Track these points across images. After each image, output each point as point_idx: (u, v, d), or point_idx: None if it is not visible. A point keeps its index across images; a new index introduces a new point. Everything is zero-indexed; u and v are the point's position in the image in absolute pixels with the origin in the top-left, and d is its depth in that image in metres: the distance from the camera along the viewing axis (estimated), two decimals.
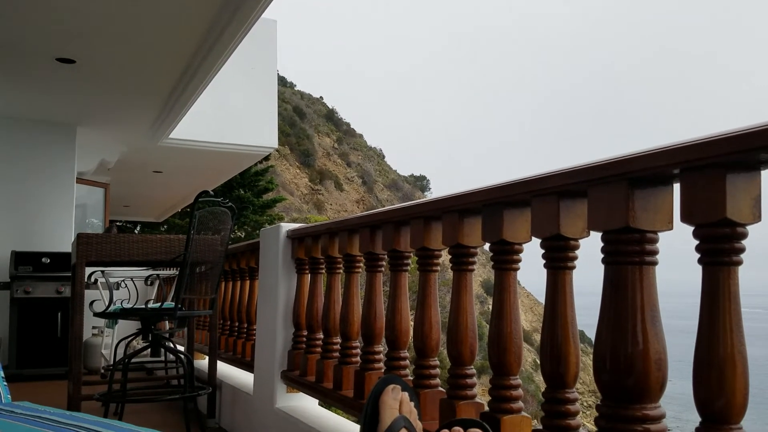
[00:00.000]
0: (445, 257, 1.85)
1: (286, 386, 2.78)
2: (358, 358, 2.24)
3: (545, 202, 1.31)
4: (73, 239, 4.00)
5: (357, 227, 2.21)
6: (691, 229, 1.05)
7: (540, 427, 1.33)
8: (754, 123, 0.92)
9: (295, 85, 57.67)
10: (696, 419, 1.05)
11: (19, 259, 5.36)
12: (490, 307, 1.53)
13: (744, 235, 1.00)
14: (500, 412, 1.46)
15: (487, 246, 1.60)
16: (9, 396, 1.89)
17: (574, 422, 1.29)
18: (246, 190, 19.34)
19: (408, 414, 1.10)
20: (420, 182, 61.01)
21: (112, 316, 2.99)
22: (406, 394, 1.12)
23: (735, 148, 0.93)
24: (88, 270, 3.32)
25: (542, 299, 1.38)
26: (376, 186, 50.93)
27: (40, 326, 5.32)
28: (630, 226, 1.11)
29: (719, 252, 1.01)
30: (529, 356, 33.69)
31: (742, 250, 1.01)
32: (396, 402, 1.09)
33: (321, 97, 59.20)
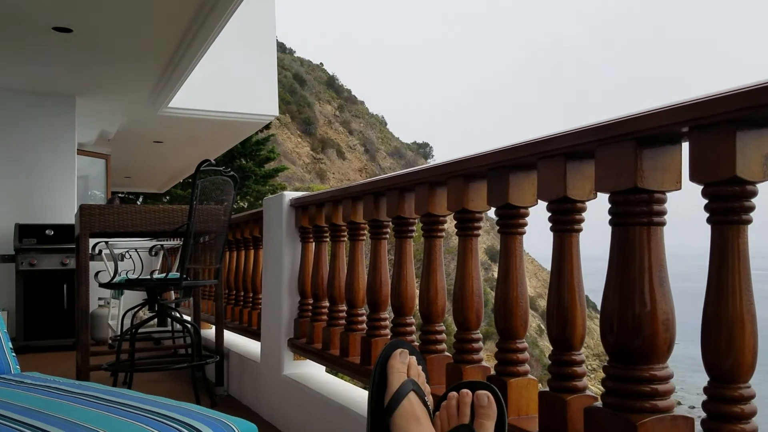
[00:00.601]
0: (449, 225, 1.84)
1: (293, 354, 2.80)
2: (365, 325, 2.25)
3: (552, 164, 1.29)
4: (75, 211, 4.00)
5: (361, 194, 2.19)
6: (697, 190, 1.04)
7: (546, 389, 1.34)
8: (765, 78, 0.89)
9: (295, 52, 57.10)
10: (699, 382, 1.05)
11: (23, 231, 5.37)
12: (495, 274, 1.52)
13: (754, 193, 0.99)
14: (507, 375, 1.46)
15: (492, 212, 1.59)
16: (18, 367, 1.91)
17: (581, 384, 1.30)
18: (247, 160, 19.28)
19: (416, 377, 1.10)
20: (423, 149, 60.83)
21: (117, 286, 3.00)
22: (413, 358, 1.13)
23: (745, 104, 0.91)
24: (92, 241, 3.32)
25: (547, 265, 1.37)
26: (378, 154, 50.76)
27: (46, 298, 5.36)
28: (638, 186, 1.09)
29: (728, 211, 0.99)
30: (534, 321, 33.96)
31: (751, 208, 0.99)
32: (404, 366, 1.10)
33: (321, 63, 58.73)
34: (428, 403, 1.09)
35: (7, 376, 1.76)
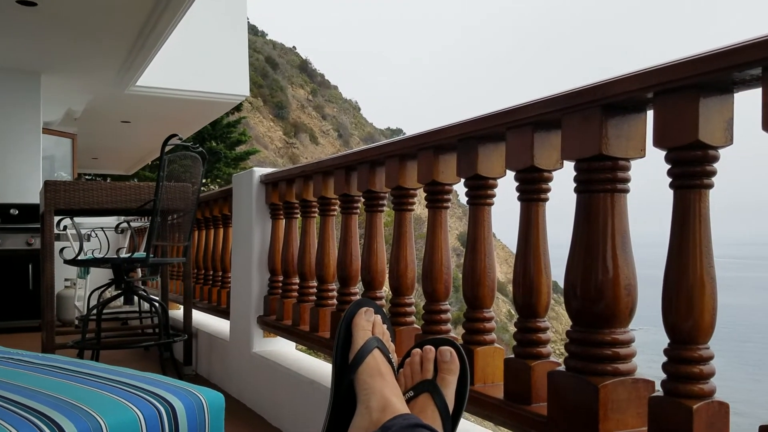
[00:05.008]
0: (423, 212, 1.84)
1: (263, 331, 2.79)
2: (335, 300, 2.25)
3: (520, 134, 1.30)
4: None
5: (332, 169, 2.18)
6: (657, 178, 1.05)
7: (512, 356, 1.36)
8: (727, 43, 0.91)
9: (267, 35, 56.34)
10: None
11: None
12: None
13: (716, 158, 1.01)
14: (474, 344, 1.48)
15: (462, 189, 1.59)
16: None
17: (545, 350, 1.32)
18: (218, 142, 19.06)
19: (381, 335, 1.11)
20: (396, 135, 60.80)
21: (83, 263, 2.95)
22: (379, 317, 1.13)
23: (707, 68, 0.92)
24: (57, 219, 3.26)
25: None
26: (352, 139, 50.56)
27: (11, 279, 5.25)
28: (603, 153, 1.11)
29: (691, 175, 1.01)
30: (504, 307, 34.30)
31: (713, 173, 1.01)
32: (369, 324, 1.10)
33: (294, 47, 58.07)
34: (393, 361, 1.10)
35: None
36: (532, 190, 1.33)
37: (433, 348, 1.10)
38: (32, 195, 5.70)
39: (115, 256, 3.00)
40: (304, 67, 55.18)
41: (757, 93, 0.92)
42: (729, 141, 1.00)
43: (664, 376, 1.06)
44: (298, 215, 2.57)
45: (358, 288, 2.17)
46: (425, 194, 1.71)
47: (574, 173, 1.18)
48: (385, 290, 2.02)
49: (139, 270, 4.45)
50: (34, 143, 6.01)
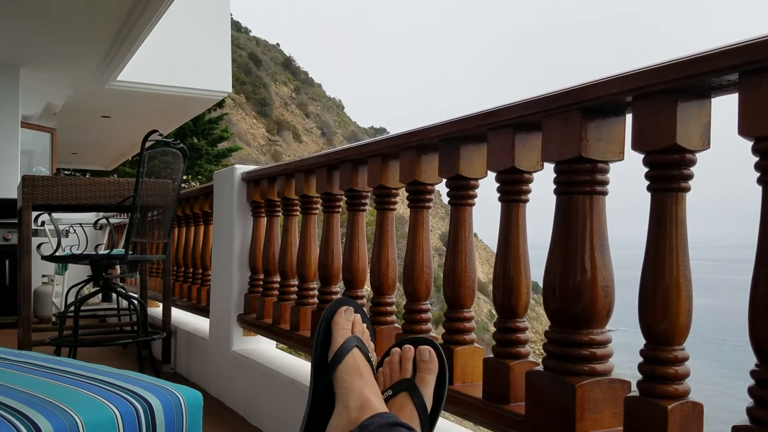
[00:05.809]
0: (405, 212, 1.84)
1: (243, 329, 2.78)
2: (316, 299, 2.25)
3: (501, 135, 1.31)
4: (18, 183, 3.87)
5: (314, 167, 2.18)
6: (633, 181, 1.07)
7: (491, 356, 1.37)
8: (705, 48, 0.93)
9: (251, 31, 55.99)
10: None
11: None
12: None
13: (693, 162, 1.02)
14: (453, 344, 1.49)
15: (444, 189, 1.60)
16: None
17: (524, 350, 1.33)
18: (200, 138, 18.89)
19: (360, 334, 1.11)
20: (380, 134, 60.70)
21: (60, 259, 2.92)
22: (358, 316, 1.14)
23: (685, 73, 0.94)
24: (35, 214, 3.22)
25: None
26: (335, 138, 50.43)
27: None
28: (582, 155, 1.12)
29: (668, 178, 1.02)
30: (485, 307, 34.43)
31: (690, 176, 1.03)
32: (348, 323, 1.11)
33: (277, 44, 57.74)
34: (372, 360, 1.10)
35: None
36: (513, 191, 1.34)
37: (412, 347, 1.10)
38: (10, 190, 5.62)
39: (94, 253, 2.97)
40: (288, 64, 54.92)
41: (734, 98, 0.93)
42: (706, 145, 1.01)
43: (641, 376, 1.07)
44: (280, 213, 2.56)
45: (339, 287, 2.17)
46: (407, 194, 1.71)
47: (554, 175, 1.19)
48: (367, 289, 2.03)
49: (117, 267, 4.41)
50: (13, 137, 5.93)
